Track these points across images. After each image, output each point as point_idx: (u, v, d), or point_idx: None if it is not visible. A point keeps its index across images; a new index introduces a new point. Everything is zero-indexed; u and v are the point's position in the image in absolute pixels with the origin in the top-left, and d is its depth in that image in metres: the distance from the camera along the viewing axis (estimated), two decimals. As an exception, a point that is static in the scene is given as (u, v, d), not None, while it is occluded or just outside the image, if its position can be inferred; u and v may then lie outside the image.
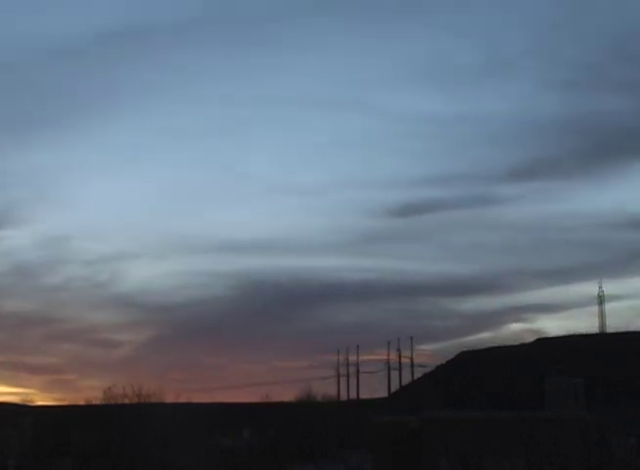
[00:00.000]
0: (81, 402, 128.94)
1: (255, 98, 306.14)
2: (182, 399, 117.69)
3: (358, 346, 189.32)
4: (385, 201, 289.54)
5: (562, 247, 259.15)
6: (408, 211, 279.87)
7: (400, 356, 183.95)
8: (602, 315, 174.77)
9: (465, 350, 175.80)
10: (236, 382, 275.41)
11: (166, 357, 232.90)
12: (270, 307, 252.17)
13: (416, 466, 75.85)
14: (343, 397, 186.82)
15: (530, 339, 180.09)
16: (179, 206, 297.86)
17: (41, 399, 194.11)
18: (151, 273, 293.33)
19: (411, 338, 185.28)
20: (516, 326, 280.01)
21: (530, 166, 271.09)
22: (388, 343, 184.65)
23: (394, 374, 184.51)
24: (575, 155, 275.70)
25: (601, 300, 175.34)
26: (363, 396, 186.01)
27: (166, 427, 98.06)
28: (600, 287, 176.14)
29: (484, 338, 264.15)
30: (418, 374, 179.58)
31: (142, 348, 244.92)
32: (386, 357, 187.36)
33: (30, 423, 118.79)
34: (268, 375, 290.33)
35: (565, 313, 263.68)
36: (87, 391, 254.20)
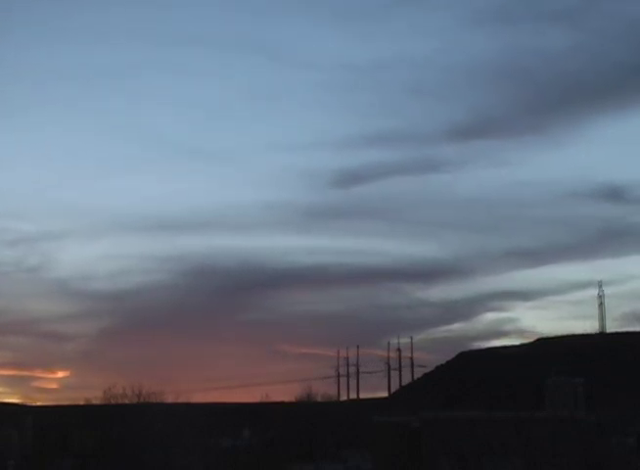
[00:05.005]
0: (81, 402, 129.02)
1: (146, 38, 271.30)
2: (182, 399, 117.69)
3: (358, 345, 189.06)
4: (320, 167, 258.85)
5: (524, 224, 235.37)
6: (348, 178, 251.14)
7: (402, 354, 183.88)
8: (602, 316, 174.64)
9: (464, 350, 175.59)
10: (210, 379, 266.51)
11: (129, 351, 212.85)
12: (224, 296, 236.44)
13: (416, 466, 75.87)
14: (342, 397, 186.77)
15: (509, 329, 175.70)
16: (90, 175, 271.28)
17: (7, 397, 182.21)
18: (85, 256, 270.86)
19: (411, 337, 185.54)
20: (490, 316, 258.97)
21: (471, 124, 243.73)
22: (388, 343, 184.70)
23: (392, 374, 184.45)
24: (520, 107, 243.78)
25: (601, 300, 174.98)
26: (360, 395, 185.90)
27: (166, 427, 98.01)
28: (600, 287, 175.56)
29: (458, 329, 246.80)
30: (418, 374, 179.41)
31: (97, 340, 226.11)
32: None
33: (31, 423, 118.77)
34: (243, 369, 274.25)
35: (539, 302, 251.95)
36: (53, 390, 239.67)
